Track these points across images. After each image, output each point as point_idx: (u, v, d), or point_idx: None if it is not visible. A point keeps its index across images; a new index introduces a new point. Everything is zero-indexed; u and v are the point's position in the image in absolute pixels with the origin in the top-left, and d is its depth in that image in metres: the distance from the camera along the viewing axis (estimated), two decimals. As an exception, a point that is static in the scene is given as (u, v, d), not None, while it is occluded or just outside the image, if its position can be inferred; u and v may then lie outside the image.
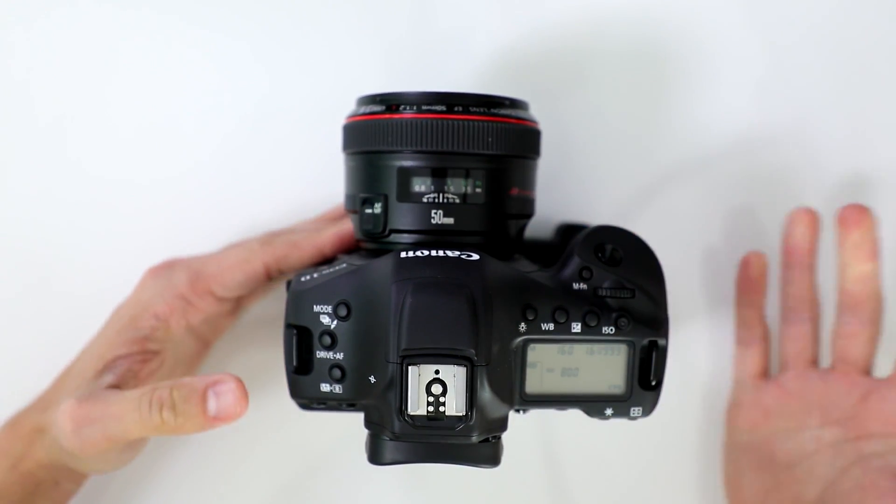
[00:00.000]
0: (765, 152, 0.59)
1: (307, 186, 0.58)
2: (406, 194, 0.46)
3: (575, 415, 0.47)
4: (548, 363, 0.44)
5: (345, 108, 0.50)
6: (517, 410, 0.45)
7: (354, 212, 0.48)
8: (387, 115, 0.46)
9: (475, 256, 0.43)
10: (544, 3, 0.58)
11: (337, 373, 0.43)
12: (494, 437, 0.43)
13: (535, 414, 0.57)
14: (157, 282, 0.52)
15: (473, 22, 0.58)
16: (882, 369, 0.56)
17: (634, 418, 0.46)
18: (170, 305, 0.51)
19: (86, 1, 0.57)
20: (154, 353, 0.51)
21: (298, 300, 0.44)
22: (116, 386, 0.48)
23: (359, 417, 0.45)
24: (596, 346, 0.45)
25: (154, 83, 0.58)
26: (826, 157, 0.60)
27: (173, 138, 0.59)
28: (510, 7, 0.58)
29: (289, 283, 0.45)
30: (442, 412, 0.41)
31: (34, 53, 0.58)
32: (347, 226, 0.52)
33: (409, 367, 0.41)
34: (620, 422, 0.47)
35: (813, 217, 0.57)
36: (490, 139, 0.45)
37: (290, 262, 0.52)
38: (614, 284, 0.45)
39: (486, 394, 0.42)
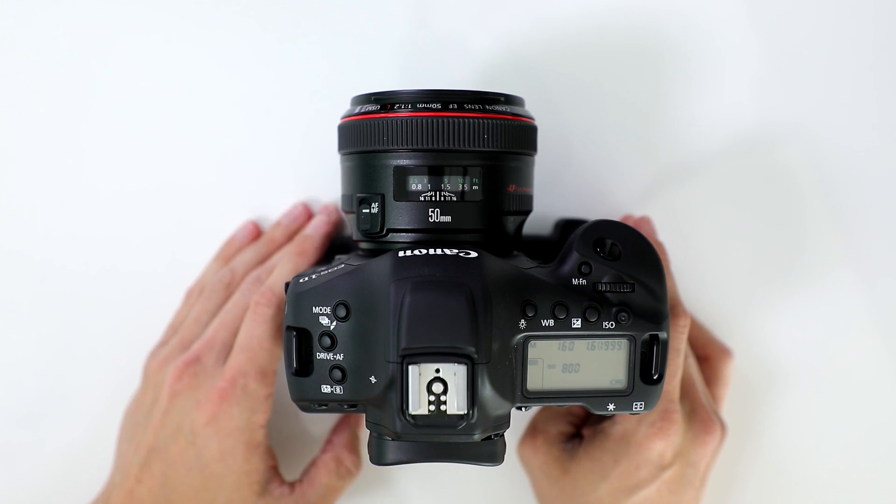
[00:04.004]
0: (765, 151, 0.59)
1: (306, 187, 0.58)
2: (403, 193, 0.45)
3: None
4: (549, 359, 0.44)
5: (344, 107, 0.50)
6: (519, 408, 0.45)
7: (352, 212, 0.48)
8: (382, 115, 0.45)
9: (473, 254, 0.43)
10: (544, 0, 0.58)
11: (337, 374, 0.43)
12: (497, 435, 0.43)
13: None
14: (240, 412, 0.52)
15: (473, 20, 0.58)
16: (883, 368, 0.56)
17: (637, 413, 0.45)
18: (267, 415, 0.53)
19: (84, 0, 0.58)
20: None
21: (297, 302, 0.44)
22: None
23: (360, 418, 0.45)
24: (596, 342, 0.44)
25: (152, 83, 0.58)
26: (826, 156, 0.59)
27: (172, 138, 0.59)
28: (509, 4, 0.58)
29: (287, 285, 0.45)
30: (443, 411, 0.41)
31: (32, 53, 0.58)
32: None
33: (410, 367, 0.40)
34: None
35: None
36: (486, 136, 0.45)
37: None
38: (614, 279, 0.44)
39: (487, 391, 0.41)
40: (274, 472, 0.54)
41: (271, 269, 0.54)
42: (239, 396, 0.51)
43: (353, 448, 0.56)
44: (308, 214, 0.58)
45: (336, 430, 0.57)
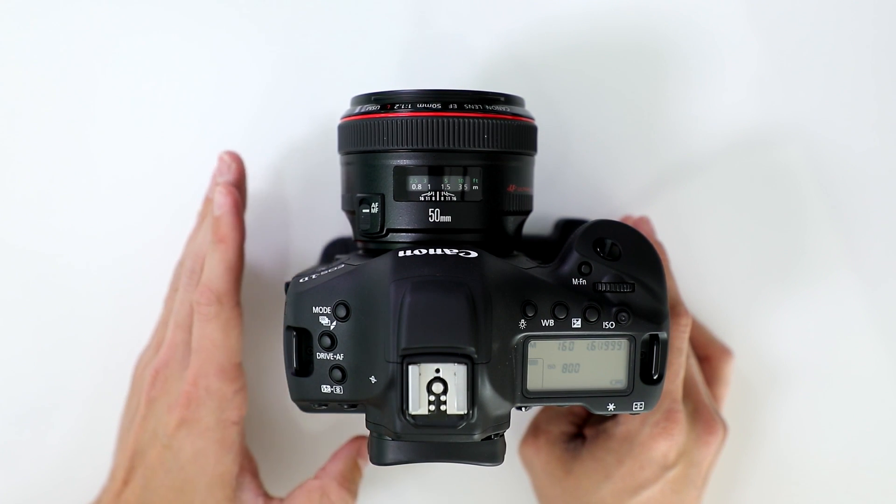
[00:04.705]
0: (765, 151, 0.59)
1: (306, 187, 0.58)
2: (403, 193, 0.45)
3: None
4: (549, 359, 0.44)
5: (344, 107, 0.50)
6: (519, 408, 0.45)
7: (352, 212, 0.48)
8: (382, 115, 0.45)
9: (473, 254, 0.43)
10: (544, 0, 0.58)
11: (337, 374, 0.43)
12: (496, 435, 0.43)
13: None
14: (205, 427, 0.51)
15: (473, 19, 0.58)
16: (883, 368, 0.56)
17: (637, 413, 0.45)
18: (240, 411, 0.52)
19: (84, 0, 0.58)
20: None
21: (297, 302, 0.44)
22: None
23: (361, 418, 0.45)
24: (596, 342, 0.44)
25: (152, 82, 0.58)
26: (826, 156, 0.59)
27: (171, 137, 0.59)
28: (509, 4, 0.58)
29: (287, 285, 0.45)
30: (443, 411, 0.41)
31: (31, 51, 0.58)
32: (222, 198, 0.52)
33: (410, 367, 0.40)
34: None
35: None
36: (486, 136, 0.45)
37: (234, 271, 0.52)
38: (614, 279, 0.44)
39: (487, 391, 0.41)
40: (251, 477, 0.53)
41: (201, 256, 0.53)
42: (203, 397, 0.51)
43: (347, 482, 0.53)
44: (213, 184, 0.56)
45: (335, 457, 0.54)
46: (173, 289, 0.56)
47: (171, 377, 0.52)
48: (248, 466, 0.53)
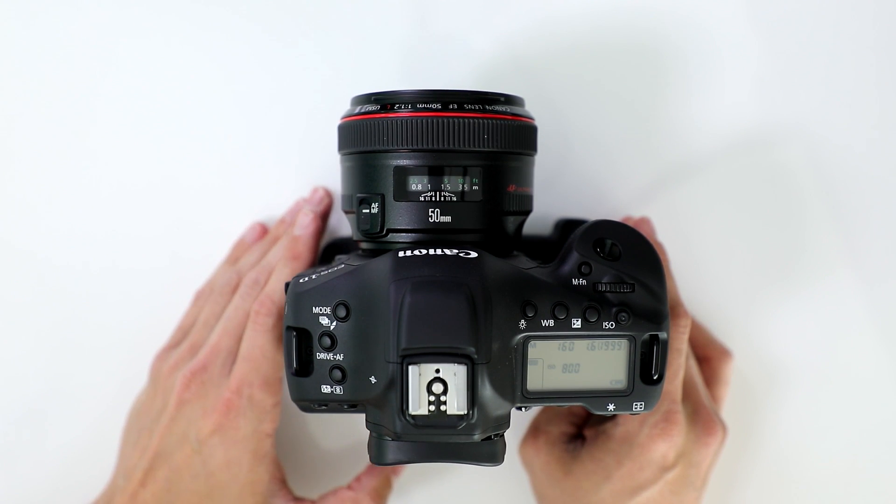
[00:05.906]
0: (765, 151, 0.59)
1: (307, 186, 0.58)
2: (403, 193, 0.45)
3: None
4: (549, 360, 0.44)
5: (344, 107, 0.50)
6: (519, 408, 0.45)
7: (351, 212, 0.48)
8: (382, 115, 0.45)
9: (473, 254, 0.43)
10: (544, 1, 0.58)
11: (337, 374, 0.43)
12: (496, 435, 0.43)
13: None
14: (244, 436, 0.52)
15: (473, 20, 0.58)
16: (883, 368, 0.56)
17: (637, 413, 0.45)
18: (275, 424, 0.53)
19: (85, 1, 0.58)
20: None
21: (297, 302, 0.44)
22: None
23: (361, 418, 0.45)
24: (596, 342, 0.44)
25: (154, 83, 0.58)
26: (826, 156, 0.59)
27: (174, 138, 0.59)
28: (510, 5, 0.58)
29: (287, 286, 0.45)
30: (443, 411, 0.41)
31: (35, 53, 0.58)
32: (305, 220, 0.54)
33: (410, 367, 0.41)
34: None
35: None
36: (486, 136, 0.45)
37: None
38: (614, 279, 0.44)
39: (487, 392, 0.41)
40: (281, 484, 0.54)
41: (268, 269, 0.54)
42: (244, 407, 0.51)
43: (378, 497, 0.55)
44: (295, 207, 0.58)
45: (370, 470, 0.56)
46: (209, 290, 0.56)
47: (208, 382, 0.52)
48: (278, 474, 0.54)
